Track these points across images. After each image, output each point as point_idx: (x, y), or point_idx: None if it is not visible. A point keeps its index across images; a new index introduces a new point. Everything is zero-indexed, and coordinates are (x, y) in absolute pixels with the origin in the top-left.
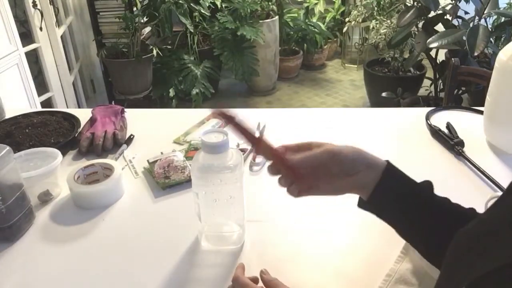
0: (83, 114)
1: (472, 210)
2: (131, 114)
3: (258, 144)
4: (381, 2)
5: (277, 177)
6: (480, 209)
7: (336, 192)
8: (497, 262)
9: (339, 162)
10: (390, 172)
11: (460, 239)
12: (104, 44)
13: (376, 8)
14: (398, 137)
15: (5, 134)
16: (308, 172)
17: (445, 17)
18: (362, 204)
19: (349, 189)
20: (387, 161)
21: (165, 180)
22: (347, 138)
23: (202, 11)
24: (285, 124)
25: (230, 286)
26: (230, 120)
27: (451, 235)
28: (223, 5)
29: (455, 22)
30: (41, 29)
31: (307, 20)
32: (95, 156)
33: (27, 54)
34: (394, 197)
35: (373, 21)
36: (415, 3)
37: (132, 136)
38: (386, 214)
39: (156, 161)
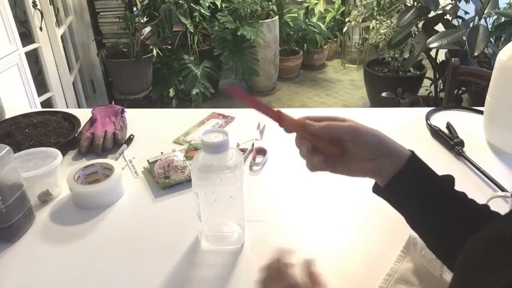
0: (83, 114)
1: (485, 207)
2: (131, 114)
3: (279, 117)
4: (381, 2)
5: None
6: None
7: (351, 173)
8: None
9: (359, 144)
10: (412, 164)
11: (473, 248)
12: (104, 44)
13: (376, 8)
14: (398, 137)
15: (5, 134)
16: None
17: (445, 17)
18: (376, 190)
19: (365, 173)
20: (412, 152)
21: (165, 180)
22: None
23: (202, 11)
24: None
25: (266, 267)
26: (246, 98)
27: (463, 233)
28: (223, 5)
29: (455, 22)
30: (41, 29)
31: (307, 20)
32: (95, 156)
33: (27, 54)
34: (411, 189)
35: (373, 21)
36: (415, 3)
37: (132, 136)
38: (399, 204)
39: (156, 161)
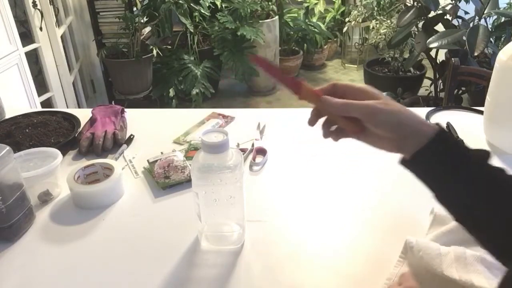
0: (83, 114)
1: None
2: (131, 114)
3: (299, 88)
4: (381, 2)
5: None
6: None
7: (373, 146)
8: None
9: (376, 125)
10: (435, 142)
11: None
12: (104, 44)
13: (376, 8)
14: None
15: (5, 134)
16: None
17: (445, 17)
18: (403, 162)
19: (387, 149)
20: (438, 127)
21: (165, 180)
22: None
23: (202, 11)
24: (285, 124)
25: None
26: (268, 67)
27: (498, 211)
28: (223, 5)
29: (455, 22)
30: (41, 29)
31: (307, 20)
32: (95, 156)
33: (27, 54)
34: (434, 165)
35: (373, 21)
36: (415, 3)
37: (132, 136)
38: (423, 179)
39: (156, 161)
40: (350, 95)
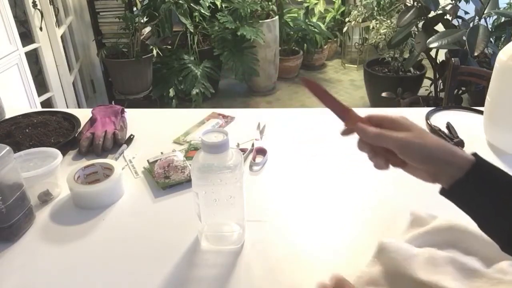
0: (83, 114)
1: None
2: (131, 114)
3: (347, 114)
4: (381, 2)
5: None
6: None
7: (416, 176)
8: None
9: (407, 158)
10: (476, 171)
11: None
12: (104, 44)
13: (376, 8)
14: None
15: (5, 134)
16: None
17: (445, 17)
18: (442, 192)
19: (428, 180)
20: (475, 156)
21: (165, 180)
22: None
23: (202, 11)
24: (285, 124)
25: None
26: (317, 90)
27: None
28: (223, 5)
29: (455, 22)
30: (41, 29)
31: (307, 20)
32: (95, 156)
33: (27, 54)
34: (475, 196)
35: (373, 21)
36: (415, 3)
37: (132, 136)
38: (466, 209)
39: (156, 161)
40: (386, 125)
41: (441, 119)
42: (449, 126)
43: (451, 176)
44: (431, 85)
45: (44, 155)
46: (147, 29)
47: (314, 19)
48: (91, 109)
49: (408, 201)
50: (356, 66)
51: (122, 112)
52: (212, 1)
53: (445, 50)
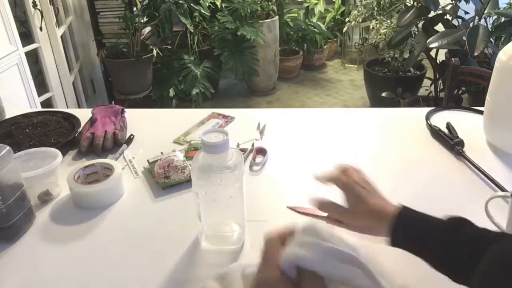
0: (83, 114)
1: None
2: (131, 114)
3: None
4: (381, 2)
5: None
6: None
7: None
8: None
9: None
10: (403, 220)
11: (498, 256)
12: (104, 44)
13: (376, 8)
14: (398, 137)
15: (5, 134)
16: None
17: (445, 17)
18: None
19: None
20: (400, 208)
21: (165, 180)
22: (347, 138)
23: (202, 11)
24: (285, 124)
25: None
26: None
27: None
28: (223, 5)
29: (455, 22)
30: (41, 29)
31: (307, 20)
32: (95, 156)
33: (27, 54)
34: (412, 240)
35: (373, 21)
36: (415, 3)
37: (132, 136)
38: (415, 253)
39: (156, 161)
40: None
41: (441, 119)
42: (449, 126)
43: (387, 227)
44: (431, 85)
45: (44, 155)
46: (147, 29)
47: (314, 19)
48: (91, 109)
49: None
50: (356, 66)
51: (122, 112)
52: (212, 1)
53: (445, 50)
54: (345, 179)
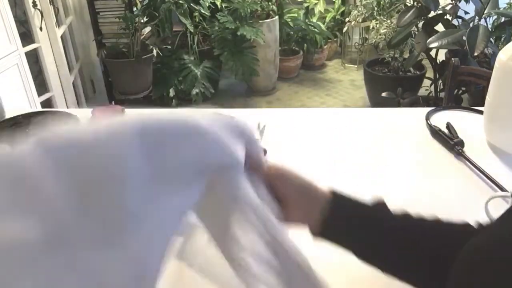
0: (83, 114)
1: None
2: (131, 114)
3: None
4: (381, 2)
5: None
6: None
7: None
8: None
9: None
10: (335, 203)
11: (472, 254)
12: (104, 44)
13: (376, 8)
14: (398, 137)
15: (5, 134)
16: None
17: (445, 17)
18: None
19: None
20: (332, 193)
21: None
22: (347, 138)
23: (202, 11)
24: (285, 124)
25: None
26: None
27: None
28: (223, 5)
29: (455, 22)
30: (41, 29)
31: (307, 20)
32: None
33: (27, 54)
34: (343, 227)
35: (373, 21)
36: (415, 3)
37: None
38: (341, 244)
39: None
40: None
41: (441, 119)
42: (449, 126)
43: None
44: (431, 85)
45: None
46: (147, 29)
47: (314, 19)
48: (91, 109)
49: (408, 203)
50: (356, 66)
51: (122, 112)
52: (212, 1)
53: (445, 50)
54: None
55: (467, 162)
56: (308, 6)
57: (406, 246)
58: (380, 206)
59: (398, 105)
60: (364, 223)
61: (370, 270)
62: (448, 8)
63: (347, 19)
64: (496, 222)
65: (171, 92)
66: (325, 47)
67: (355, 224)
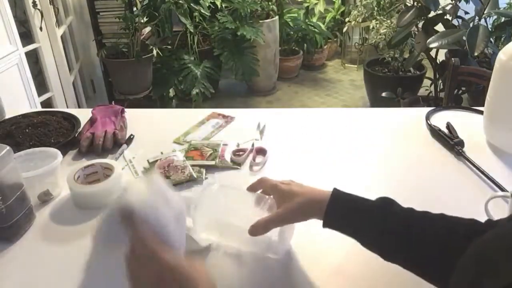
0: (83, 114)
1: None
2: (131, 114)
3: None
4: (381, 2)
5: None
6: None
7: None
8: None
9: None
10: (335, 201)
11: (479, 250)
12: (104, 44)
13: (376, 8)
14: (398, 137)
15: (5, 134)
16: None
17: (445, 17)
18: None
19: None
20: (333, 190)
21: (165, 180)
22: (347, 138)
23: (202, 11)
24: (285, 124)
25: None
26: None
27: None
28: (223, 5)
29: (455, 22)
30: (41, 29)
31: (307, 20)
32: (95, 156)
33: (27, 54)
34: (346, 221)
35: (373, 21)
36: (415, 3)
37: (132, 136)
38: (347, 233)
39: (156, 161)
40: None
41: (441, 119)
42: (449, 126)
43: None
44: (431, 85)
45: (44, 155)
46: (147, 29)
47: (314, 19)
48: (91, 109)
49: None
50: (356, 66)
51: (122, 112)
52: (212, 1)
53: (445, 50)
54: (269, 182)
55: (467, 162)
56: (308, 6)
57: (413, 237)
58: (387, 199)
59: (398, 105)
60: (366, 215)
61: (370, 270)
62: (448, 8)
63: (347, 19)
64: (509, 217)
65: (171, 92)
66: (325, 47)
67: (356, 214)
